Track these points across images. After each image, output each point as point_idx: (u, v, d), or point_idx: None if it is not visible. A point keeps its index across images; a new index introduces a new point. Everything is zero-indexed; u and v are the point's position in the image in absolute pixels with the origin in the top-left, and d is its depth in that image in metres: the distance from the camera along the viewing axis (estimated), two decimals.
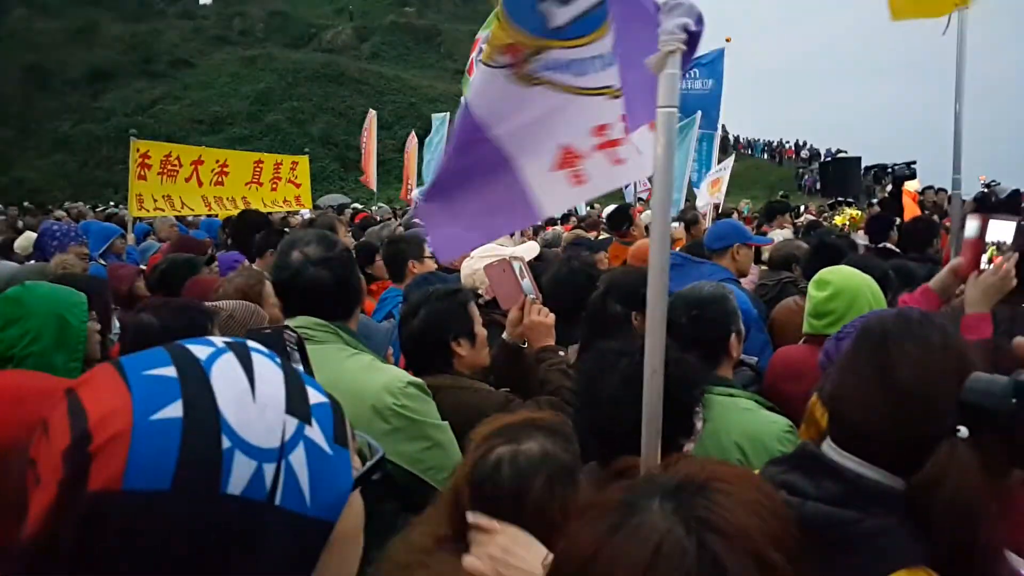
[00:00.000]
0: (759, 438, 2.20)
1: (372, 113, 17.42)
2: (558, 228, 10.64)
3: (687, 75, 9.75)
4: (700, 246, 4.78)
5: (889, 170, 8.58)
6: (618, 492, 0.90)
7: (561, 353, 2.66)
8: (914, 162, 8.44)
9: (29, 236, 6.19)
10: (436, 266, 4.32)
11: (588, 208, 14.81)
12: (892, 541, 1.15)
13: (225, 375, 0.69)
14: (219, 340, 0.75)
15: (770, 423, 2.28)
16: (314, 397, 0.75)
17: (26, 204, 17.81)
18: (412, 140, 16.91)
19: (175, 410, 0.65)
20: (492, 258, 2.87)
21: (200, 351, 0.71)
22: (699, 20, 1.58)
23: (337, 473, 0.73)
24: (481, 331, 2.52)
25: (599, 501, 0.90)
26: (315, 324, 2.17)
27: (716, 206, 10.27)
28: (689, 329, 2.38)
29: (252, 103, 58.30)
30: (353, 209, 17.26)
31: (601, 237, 8.11)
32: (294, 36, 72.84)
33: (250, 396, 0.69)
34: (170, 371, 0.68)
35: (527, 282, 2.67)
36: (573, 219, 12.91)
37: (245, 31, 75.07)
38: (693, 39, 1.58)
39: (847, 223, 9.24)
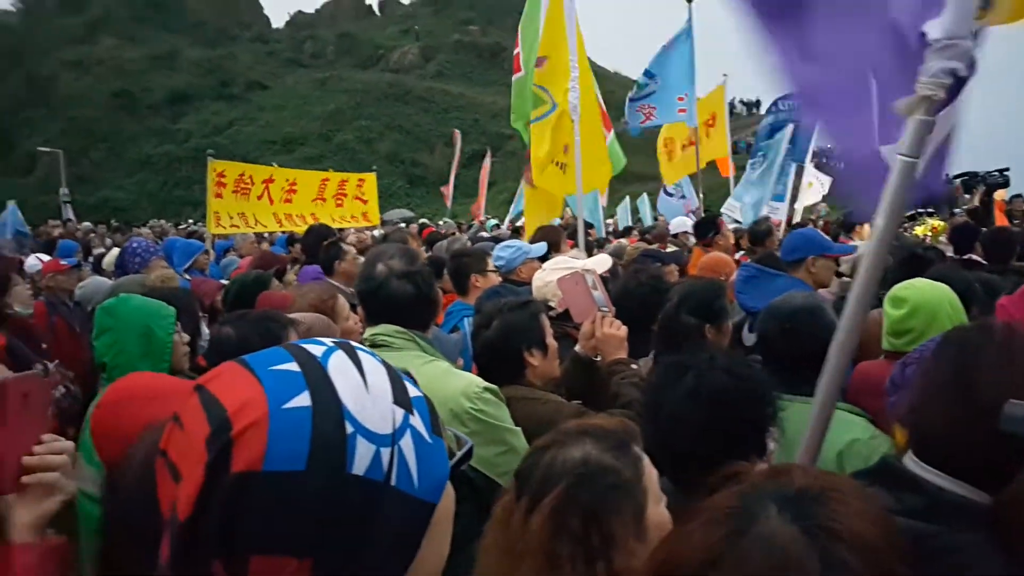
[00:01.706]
0: (855, 450, 2.15)
1: (457, 134, 17.78)
2: (623, 241, 10.58)
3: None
4: (773, 258, 4.69)
5: (980, 178, 8.17)
6: (731, 498, 0.89)
7: (634, 366, 2.64)
8: (1007, 169, 8.04)
9: (116, 254, 6.50)
10: (500, 279, 4.35)
11: (654, 219, 14.69)
12: (974, 556, 1.11)
13: (340, 369, 0.76)
14: (327, 340, 0.82)
15: (867, 432, 2.22)
16: (411, 391, 0.81)
17: (113, 222, 18.66)
18: (487, 160, 17.18)
19: (304, 399, 0.72)
20: (564, 271, 2.88)
21: (315, 349, 0.79)
22: (971, 64, 1.39)
23: (437, 459, 0.80)
24: (552, 343, 2.53)
25: (712, 505, 0.89)
26: (395, 332, 2.25)
27: (789, 219, 10.05)
28: (782, 343, 2.33)
29: (323, 123, 59.96)
30: (420, 224, 17.53)
31: (669, 249, 8.02)
32: (362, 58, 74.69)
33: (363, 387, 0.76)
34: (293, 366, 0.75)
35: (599, 294, 2.67)
36: (636, 231, 12.82)
37: (316, 54, 77.39)
38: (958, 83, 1.40)
39: (928, 234, 8.90)
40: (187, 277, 5.57)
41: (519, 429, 2.20)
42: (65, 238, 10.03)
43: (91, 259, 8.21)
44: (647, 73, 10.49)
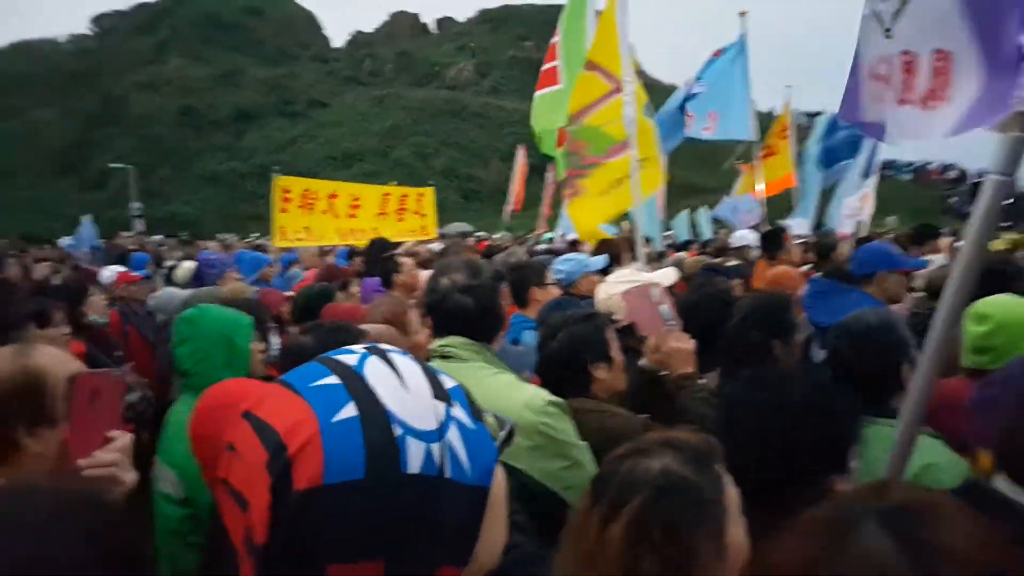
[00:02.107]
0: (932, 474, 2.07)
1: (520, 149, 17.76)
2: (682, 254, 10.46)
3: None
4: (842, 272, 4.57)
5: None
6: (829, 512, 0.87)
7: (702, 381, 2.61)
8: None
9: (187, 266, 6.69)
10: (559, 292, 4.35)
11: (715, 232, 14.46)
12: None
13: (377, 374, 0.78)
14: (357, 347, 0.84)
15: (944, 455, 2.15)
16: (447, 382, 0.83)
17: (182, 235, 19.30)
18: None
19: (350, 410, 0.74)
20: (629, 284, 2.86)
21: (348, 359, 0.81)
22: None
23: (483, 444, 0.81)
24: (619, 356, 2.51)
25: (809, 519, 0.87)
26: (461, 343, 2.26)
27: (854, 233, 9.79)
28: (854, 361, 2.27)
29: (380, 139, 61.04)
30: (476, 237, 17.64)
31: (730, 263, 7.90)
32: (419, 75, 75.91)
33: (402, 388, 0.78)
34: (333, 379, 0.77)
35: (665, 308, 2.65)
36: (695, 245, 12.64)
37: (374, 72, 78.90)
38: None
39: (1009, 247, 8.54)
40: (254, 288, 5.71)
41: (585, 444, 2.17)
42: (137, 250, 10.38)
43: (162, 271, 8.46)
44: (697, 78, 10.31)
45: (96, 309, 4.53)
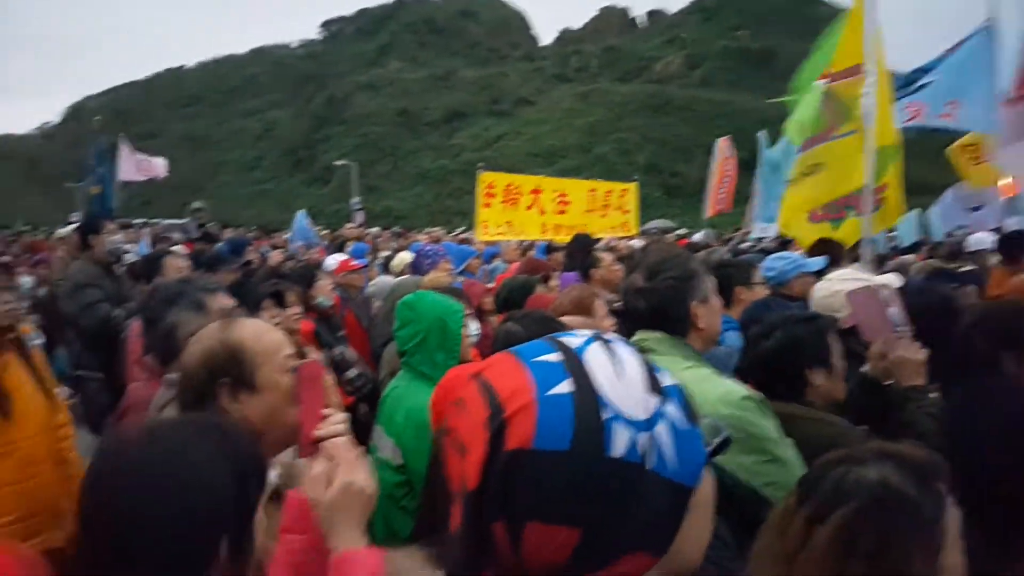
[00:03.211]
0: None
1: (722, 141, 17.14)
2: (908, 257, 9.57)
3: None
4: None
5: None
6: None
7: (933, 395, 2.36)
8: None
9: (404, 257, 7.14)
10: (768, 292, 4.12)
11: (946, 234, 13.05)
12: None
13: (596, 359, 0.83)
14: (583, 332, 0.90)
15: None
16: (666, 380, 0.86)
17: (395, 229, 20.64)
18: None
19: (566, 387, 0.80)
20: (855, 283, 2.65)
21: (572, 341, 0.86)
22: None
23: (694, 446, 0.84)
24: (839, 362, 2.33)
25: None
26: (655, 338, 2.21)
27: None
28: None
29: (582, 136, 61.53)
30: (676, 235, 17.23)
31: (964, 268, 7.11)
32: (625, 70, 75.63)
33: (618, 376, 0.82)
34: (555, 357, 0.83)
35: (895, 312, 2.42)
36: (924, 248, 11.53)
37: (580, 68, 79.67)
38: None
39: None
40: (460, 279, 5.97)
41: (788, 441, 2.05)
42: (357, 241, 11.22)
43: (378, 260, 9.07)
44: (924, 69, 9.30)
45: (323, 292, 4.94)
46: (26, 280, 5.95)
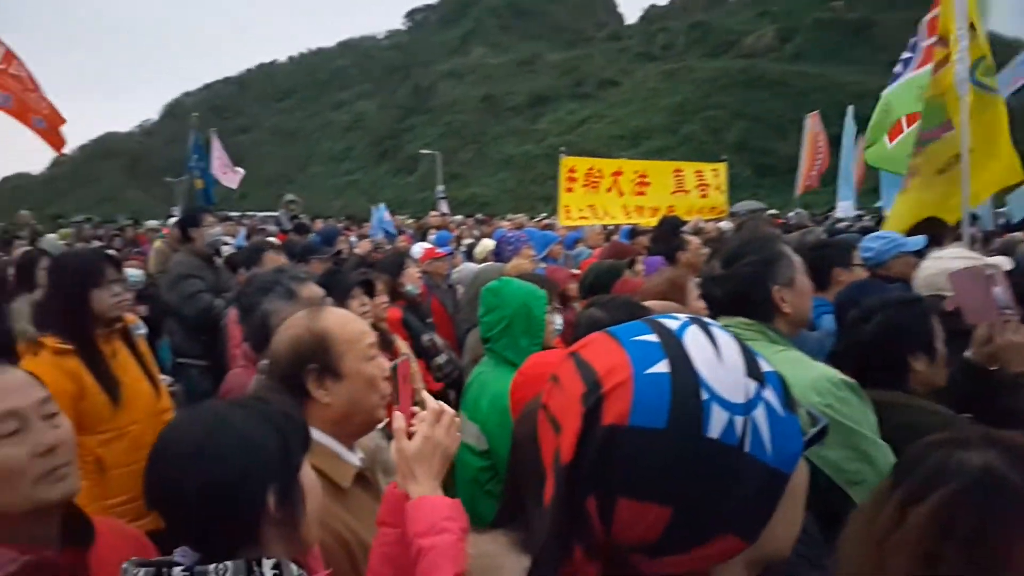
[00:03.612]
0: None
1: (812, 116, 16.47)
2: (1016, 235, 8.97)
3: None
4: None
5: None
6: None
7: None
8: None
9: (487, 244, 7.19)
10: (867, 274, 3.95)
11: None
12: None
13: (695, 341, 0.83)
14: (682, 315, 0.89)
15: None
16: (765, 366, 0.85)
17: (478, 216, 20.83)
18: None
19: (664, 366, 0.80)
20: (961, 261, 2.50)
21: (671, 323, 0.86)
22: None
23: (791, 433, 0.83)
24: (942, 347, 2.22)
25: None
26: (742, 324, 2.16)
27: None
28: None
29: (669, 115, 60.27)
30: (768, 215, 16.69)
31: None
32: (714, 45, 73.57)
33: (717, 358, 0.81)
34: (652, 337, 0.84)
35: (1002, 293, 2.28)
36: None
37: (667, 45, 78.04)
38: None
39: None
40: (543, 265, 5.98)
41: (883, 444, 1.94)
42: (441, 229, 11.38)
43: (462, 247, 9.18)
44: None
45: (411, 280, 5.03)
46: (134, 273, 6.27)
